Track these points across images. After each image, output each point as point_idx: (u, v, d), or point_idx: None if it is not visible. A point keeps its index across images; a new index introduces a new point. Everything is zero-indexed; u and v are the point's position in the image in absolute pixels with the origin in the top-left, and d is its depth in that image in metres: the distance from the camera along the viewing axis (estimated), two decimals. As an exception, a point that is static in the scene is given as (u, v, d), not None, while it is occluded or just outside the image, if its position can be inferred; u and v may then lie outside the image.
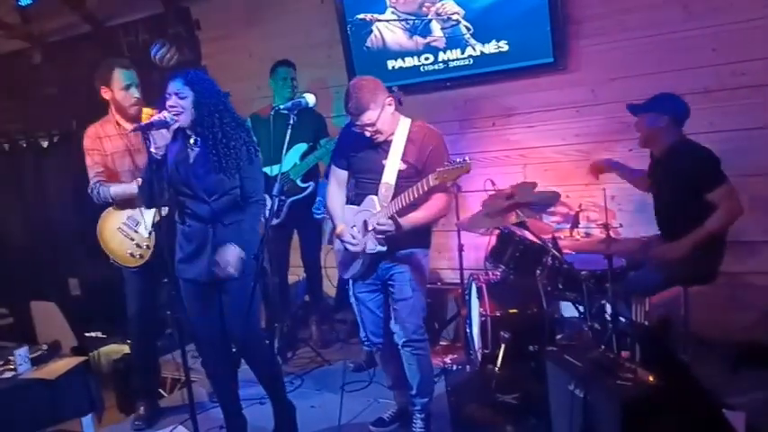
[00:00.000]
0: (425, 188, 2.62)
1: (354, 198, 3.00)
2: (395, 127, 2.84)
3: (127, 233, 3.40)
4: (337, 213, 3.00)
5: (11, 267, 6.37)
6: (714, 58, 3.67)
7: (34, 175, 6.30)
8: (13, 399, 3.12)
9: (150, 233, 3.33)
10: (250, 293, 2.70)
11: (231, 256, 2.70)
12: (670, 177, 3.17)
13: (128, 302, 3.51)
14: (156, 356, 3.77)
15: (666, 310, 3.25)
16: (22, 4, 4.90)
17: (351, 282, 3.05)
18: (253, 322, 2.85)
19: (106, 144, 3.42)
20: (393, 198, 2.76)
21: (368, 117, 2.73)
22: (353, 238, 2.87)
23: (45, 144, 6.18)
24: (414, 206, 2.75)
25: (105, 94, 3.38)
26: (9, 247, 6.44)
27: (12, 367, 3.28)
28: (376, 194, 2.83)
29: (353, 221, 2.92)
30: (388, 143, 2.84)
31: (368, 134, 2.79)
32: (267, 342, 3.42)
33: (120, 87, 3.33)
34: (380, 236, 2.74)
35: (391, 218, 2.71)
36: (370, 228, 2.80)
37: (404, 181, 2.77)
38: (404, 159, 2.80)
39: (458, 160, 2.50)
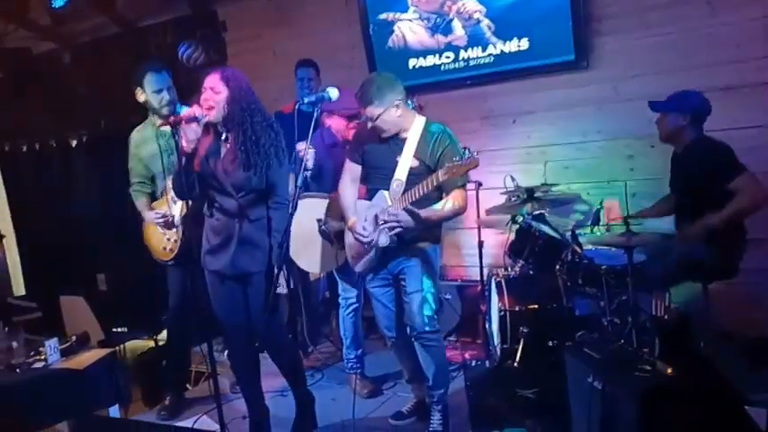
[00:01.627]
0: (435, 183, 2.68)
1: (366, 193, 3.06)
2: (407, 125, 2.90)
3: (161, 228, 3.49)
4: (350, 207, 3.05)
5: (41, 263, 6.53)
6: (738, 54, 3.65)
7: (63, 173, 6.44)
8: (43, 387, 3.19)
9: (178, 227, 3.42)
10: (274, 285, 2.75)
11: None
12: (691, 174, 3.20)
13: (169, 296, 3.62)
14: (188, 349, 3.85)
15: (687, 306, 3.24)
16: (56, 6, 5.02)
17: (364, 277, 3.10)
18: (275, 314, 2.89)
19: (144, 148, 3.51)
20: (404, 193, 2.81)
21: (369, 111, 2.82)
22: (364, 230, 2.92)
23: (74, 143, 6.31)
24: (429, 202, 2.82)
25: (140, 96, 3.47)
26: (39, 243, 6.59)
27: (42, 357, 3.36)
28: (387, 190, 2.88)
29: (365, 215, 2.97)
30: (402, 140, 2.90)
31: (368, 126, 2.87)
32: (290, 336, 3.48)
33: (152, 90, 3.42)
34: (390, 230, 2.79)
35: (406, 210, 2.76)
36: (380, 222, 2.84)
37: (415, 178, 2.82)
38: (416, 156, 2.86)
39: (466, 155, 2.54)
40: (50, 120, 6.40)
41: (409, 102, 2.99)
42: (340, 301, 3.70)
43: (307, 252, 3.55)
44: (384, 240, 2.84)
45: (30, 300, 5.80)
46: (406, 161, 2.86)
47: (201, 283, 2.96)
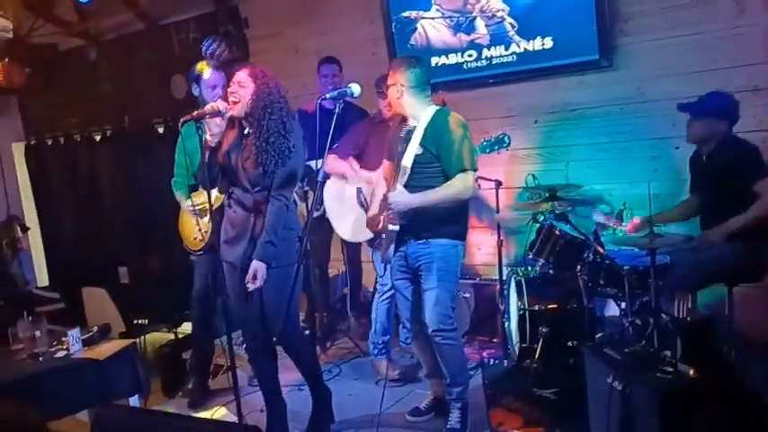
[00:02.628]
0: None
1: None
2: (415, 113, 2.96)
3: (195, 219, 3.56)
4: (378, 198, 3.12)
5: (64, 255, 6.63)
6: (766, 55, 3.59)
7: (87, 167, 6.53)
8: (65, 376, 3.23)
9: (209, 220, 3.45)
10: (291, 279, 2.75)
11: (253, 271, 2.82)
12: (718, 172, 3.16)
13: (194, 283, 3.69)
14: (212, 338, 3.88)
15: (711, 309, 3.20)
16: (82, 2, 5.09)
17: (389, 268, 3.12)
18: (290, 308, 2.89)
19: (190, 142, 3.48)
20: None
21: (389, 79, 3.01)
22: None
23: (98, 138, 6.40)
24: (431, 187, 2.87)
25: (195, 91, 3.57)
26: (63, 236, 6.70)
27: (64, 347, 3.41)
28: None
29: None
30: (413, 129, 2.96)
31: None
32: (307, 331, 3.49)
33: (208, 86, 3.50)
34: (389, 212, 2.86)
35: (396, 191, 2.83)
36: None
37: (420, 165, 2.88)
38: (421, 144, 2.90)
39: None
40: (76, 114, 6.51)
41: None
42: (377, 287, 3.80)
43: (343, 218, 3.72)
44: (391, 225, 2.88)
45: (53, 291, 5.89)
46: (412, 149, 2.91)
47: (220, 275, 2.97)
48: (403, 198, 2.85)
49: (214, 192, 3.34)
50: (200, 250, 3.58)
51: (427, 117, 2.94)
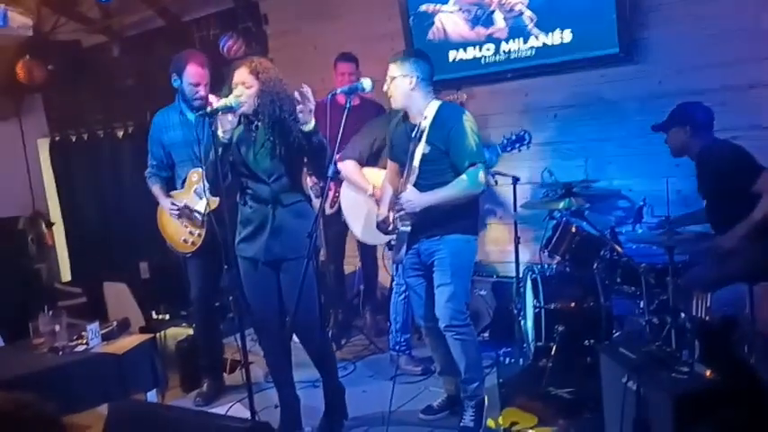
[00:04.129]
0: None
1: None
2: (420, 108, 2.93)
3: (182, 220, 3.53)
4: (385, 201, 3.11)
5: (87, 250, 6.72)
6: (792, 48, 3.50)
7: (110, 163, 6.61)
8: (84, 371, 3.28)
9: (203, 221, 3.46)
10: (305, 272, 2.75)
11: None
12: (709, 181, 3.13)
13: (190, 286, 3.68)
14: (219, 337, 3.91)
15: (731, 308, 3.13)
16: (103, 0, 5.14)
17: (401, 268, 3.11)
18: (309, 301, 2.89)
19: (167, 134, 3.55)
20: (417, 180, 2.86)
21: (390, 69, 2.95)
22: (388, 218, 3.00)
23: (120, 134, 6.47)
24: (441, 183, 2.84)
25: (175, 82, 3.52)
26: (85, 231, 6.79)
27: (84, 341, 3.46)
28: None
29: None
30: (416, 126, 2.94)
31: (384, 88, 2.99)
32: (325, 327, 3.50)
33: (190, 82, 3.45)
34: (399, 213, 2.85)
35: (407, 191, 2.82)
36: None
37: (428, 164, 2.85)
38: (428, 142, 2.87)
39: None
40: (99, 111, 6.59)
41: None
42: (393, 286, 3.82)
43: (360, 220, 3.72)
44: (400, 226, 2.87)
45: (75, 286, 5.98)
46: (420, 147, 2.89)
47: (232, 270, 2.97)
48: (415, 198, 2.81)
49: (204, 198, 3.38)
50: (189, 253, 3.55)
51: (432, 112, 2.91)
